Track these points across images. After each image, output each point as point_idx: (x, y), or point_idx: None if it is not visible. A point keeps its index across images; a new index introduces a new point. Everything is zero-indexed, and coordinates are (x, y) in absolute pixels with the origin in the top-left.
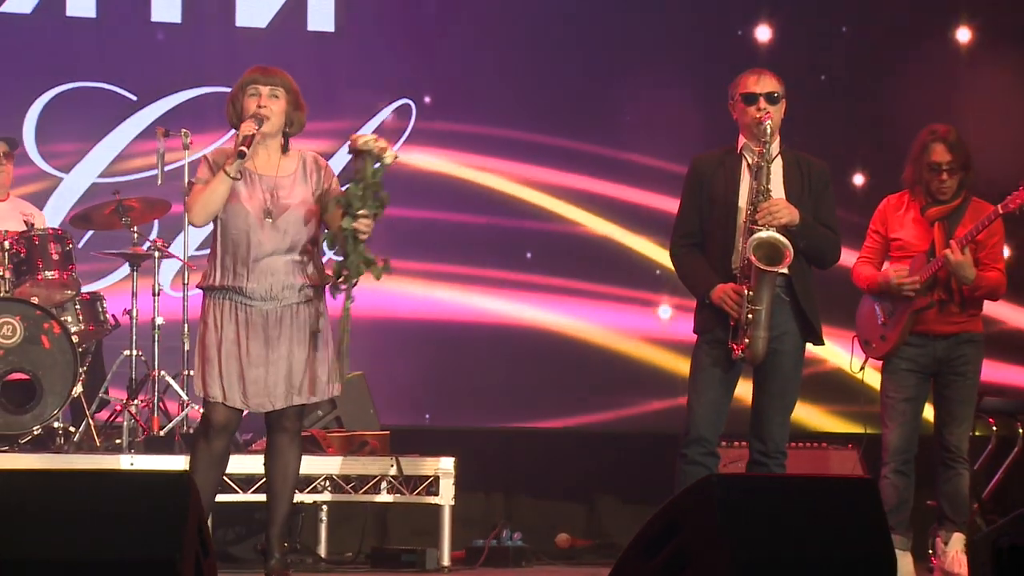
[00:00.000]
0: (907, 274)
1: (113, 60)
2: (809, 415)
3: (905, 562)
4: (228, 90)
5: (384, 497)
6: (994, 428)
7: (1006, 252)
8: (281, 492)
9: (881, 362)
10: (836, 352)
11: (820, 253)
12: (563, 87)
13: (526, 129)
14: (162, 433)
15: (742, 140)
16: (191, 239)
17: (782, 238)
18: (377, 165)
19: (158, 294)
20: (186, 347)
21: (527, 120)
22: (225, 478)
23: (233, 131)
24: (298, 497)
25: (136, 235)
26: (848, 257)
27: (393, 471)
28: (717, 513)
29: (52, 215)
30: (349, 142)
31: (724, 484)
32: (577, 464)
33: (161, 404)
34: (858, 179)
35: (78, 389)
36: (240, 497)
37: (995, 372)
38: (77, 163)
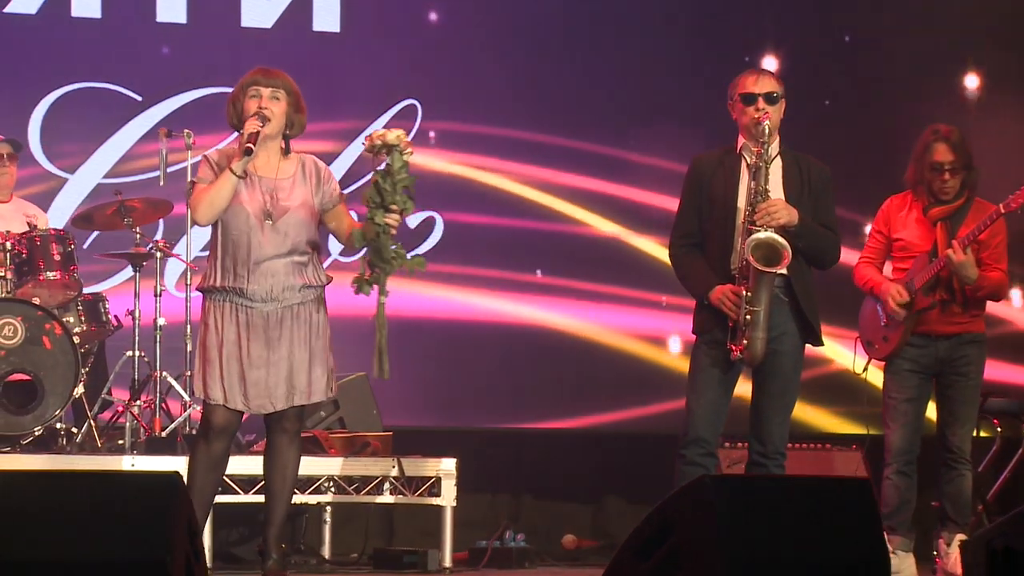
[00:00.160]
0: (904, 301)
1: (118, 60)
2: (814, 416)
3: (908, 563)
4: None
5: (386, 498)
6: (999, 429)
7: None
8: (279, 493)
9: (884, 363)
10: (842, 353)
11: (819, 254)
12: (569, 88)
13: (532, 129)
14: (164, 434)
15: (741, 140)
16: (195, 240)
17: (780, 239)
18: (404, 159)
19: (160, 295)
20: (188, 348)
21: (533, 120)
22: (227, 479)
23: (235, 133)
24: (301, 498)
25: (138, 236)
26: (850, 257)
27: (395, 472)
28: (710, 514)
29: (57, 216)
30: (367, 139)
31: (717, 485)
32: (582, 465)
33: (163, 405)
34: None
35: (79, 390)
36: (242, 498)
37: (1000, 373)
38: (82, 164)
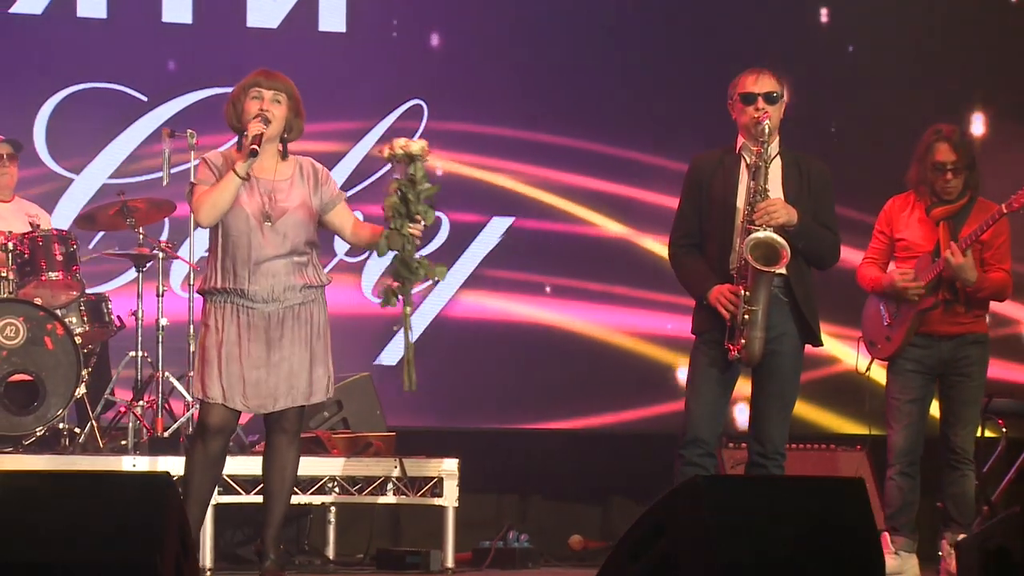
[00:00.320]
0: (912, 277)
1: (124, 61)
2: (817, 416)
3: (911, 564)
4: None
5: (389, 499)
6: (1004, 430)
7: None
8: (278, 493)
9: (886, 363)
10: (846, 353)
11: (819, 254)
12: (579, 88)
13: (540, 130)
14: (166, 434)
15: (741, 140)
16: (198, 242)
17: (779, 238)
18: (423, 167)
19: (162, 295)
20: (191, 348)
21: (542, 121)
22: (230, 479)
23: (237, 135)
24: (304, 498)
25: (141, 236)
26: (853, 257)
27: (397, 472)
28: (703, 514)
29: (62, 216)
30: (387, 147)
31: (709, 485)
32: (587, 466)
33: (166, 405)
34: None
35: (81, 390)
36: (245, 498)
37: (1005, 373)
38: (88, 164)
